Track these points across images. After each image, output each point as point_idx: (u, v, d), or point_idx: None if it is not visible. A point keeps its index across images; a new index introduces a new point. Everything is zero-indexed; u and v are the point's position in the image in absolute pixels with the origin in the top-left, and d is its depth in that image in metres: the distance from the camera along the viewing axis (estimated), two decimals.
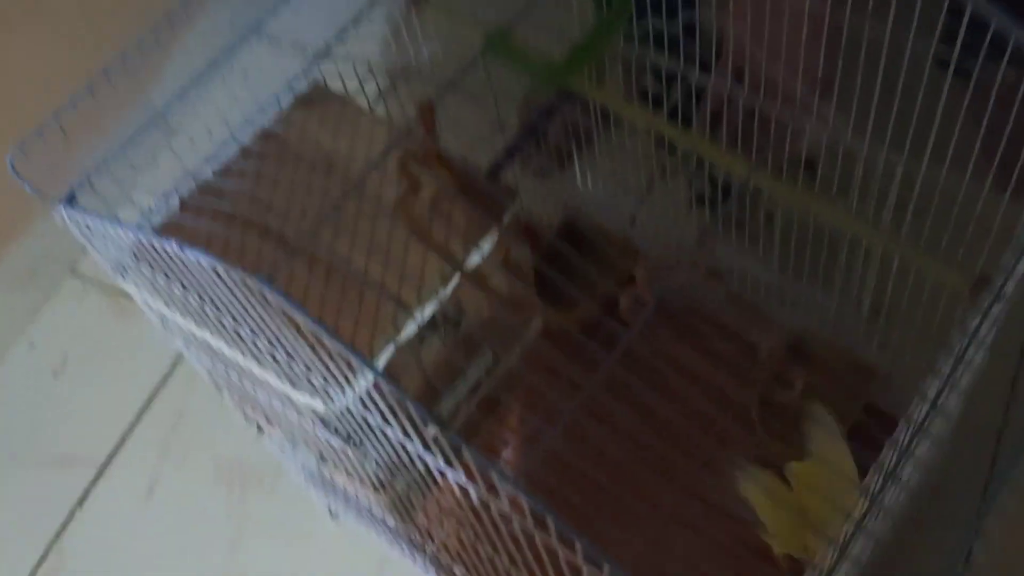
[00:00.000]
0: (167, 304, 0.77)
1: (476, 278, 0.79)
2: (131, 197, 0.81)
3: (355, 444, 0.75)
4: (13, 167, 0.73)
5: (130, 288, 0.80)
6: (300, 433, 0.85)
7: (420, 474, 0.67)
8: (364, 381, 0.63)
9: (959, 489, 1.04)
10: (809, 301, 0.96)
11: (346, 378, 0.65)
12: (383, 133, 0.83)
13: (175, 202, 0.84)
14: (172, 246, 0.57)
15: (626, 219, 1.00)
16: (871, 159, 0.78)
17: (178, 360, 1.36)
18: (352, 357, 0.53)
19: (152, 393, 1.35)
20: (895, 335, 0.91)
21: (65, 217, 0.73)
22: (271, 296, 0.54)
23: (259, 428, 0.99)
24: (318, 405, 0.70)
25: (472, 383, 0.89)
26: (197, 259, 0.55)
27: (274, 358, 0.68)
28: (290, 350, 0.65)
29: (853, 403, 0.89)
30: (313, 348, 0.63)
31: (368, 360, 0.57)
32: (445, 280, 0.78)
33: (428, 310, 0.78)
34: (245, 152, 0.85)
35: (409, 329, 0.77)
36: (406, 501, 0.87)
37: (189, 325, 0.76)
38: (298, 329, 0.62)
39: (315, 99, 0.87)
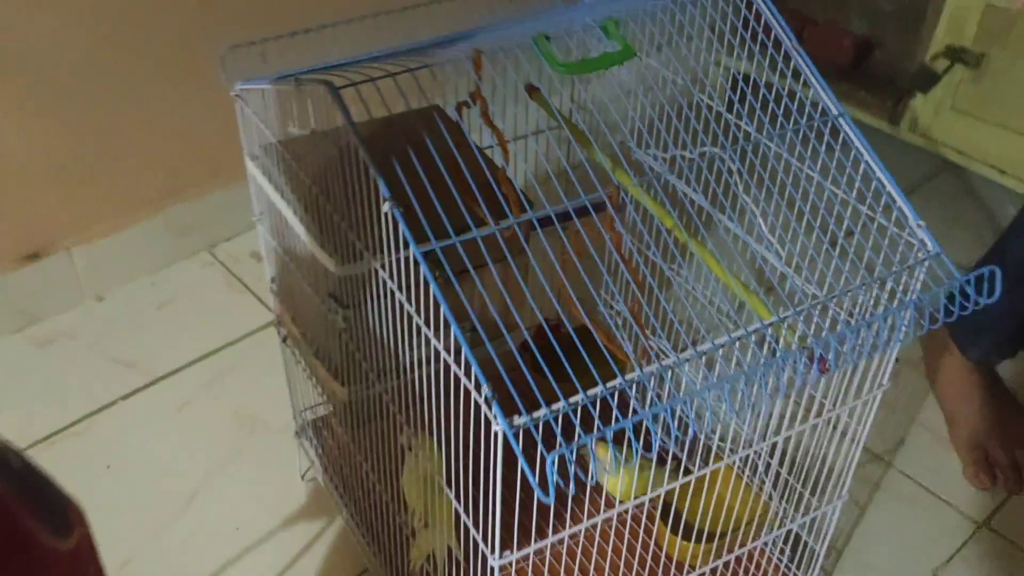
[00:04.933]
0: (271, 183, 1.08)
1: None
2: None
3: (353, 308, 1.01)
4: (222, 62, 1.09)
5: (255, 171, 1.12)
6: (313, 320, 1.12)
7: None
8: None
9: None
10: None
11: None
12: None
13: None
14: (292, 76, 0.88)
15: None
16: None
17: (248, 334, 1.66)
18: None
19: (219, 347, 1.64)
20: None
21: (239, 94, 1.07)
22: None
23: (279, 332, 1.26)
24: (328, 262, 0.98)
25: None
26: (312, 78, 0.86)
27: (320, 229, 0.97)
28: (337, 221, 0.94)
29: None
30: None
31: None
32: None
33: None
34: None
35: None
36: (359, 408, 1.10)
37: (277, 198, 1.07)
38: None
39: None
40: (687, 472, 1.29)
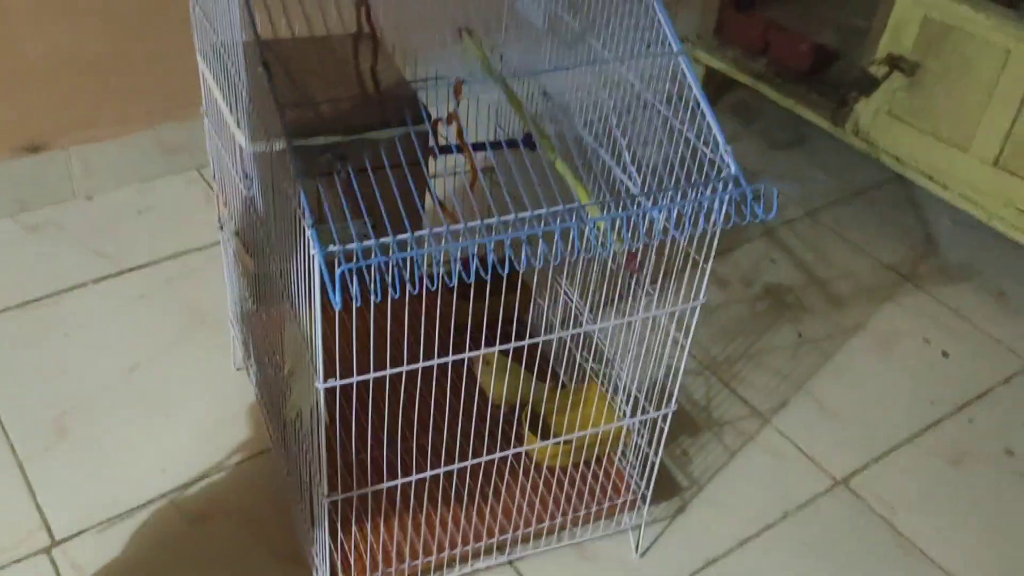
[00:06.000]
0: (218, 86, 1.25)
1: None
2: None
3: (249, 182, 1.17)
4: None
5: (203, 68, 1.30)
6: (236, 201, 1.28)
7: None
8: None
9: None
10: None
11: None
12: None
13: None
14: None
15: None
16: None
17: (215, 244, 1.84)
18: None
19: (186, 251, 1.82)
20: None
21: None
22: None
23: (219, 222, 1.42)
24: (242, 139, 1.14)
25: None
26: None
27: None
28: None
29: None
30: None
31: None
32: None
33: None
34: None
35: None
36: (264, 282, 1.26)
37: (216, 90, 1.24)
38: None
39: None
40: (560, 387, 1.44)
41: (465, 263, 0.96)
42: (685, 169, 1.06)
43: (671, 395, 1.22)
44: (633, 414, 1.30)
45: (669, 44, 1.06)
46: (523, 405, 1.38)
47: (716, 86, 2.32)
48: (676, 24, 2.06)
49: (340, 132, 1.14)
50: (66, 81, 1.78)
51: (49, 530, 1.35)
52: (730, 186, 0.98)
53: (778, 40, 2.11)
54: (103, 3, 1.74)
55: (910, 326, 1.82)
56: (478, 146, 1.30)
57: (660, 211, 0.95)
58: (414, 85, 1.30)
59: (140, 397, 1.54)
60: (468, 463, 1.20)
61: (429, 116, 1.22)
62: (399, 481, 1.14)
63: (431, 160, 1.25)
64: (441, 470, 1.18)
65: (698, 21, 2.21)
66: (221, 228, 1.44)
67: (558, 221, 0.96)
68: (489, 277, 0.95)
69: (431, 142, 1.23)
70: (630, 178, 1.17)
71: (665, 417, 1.24)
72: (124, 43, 1.80)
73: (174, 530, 1.37)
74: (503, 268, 0.94)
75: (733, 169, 1.00)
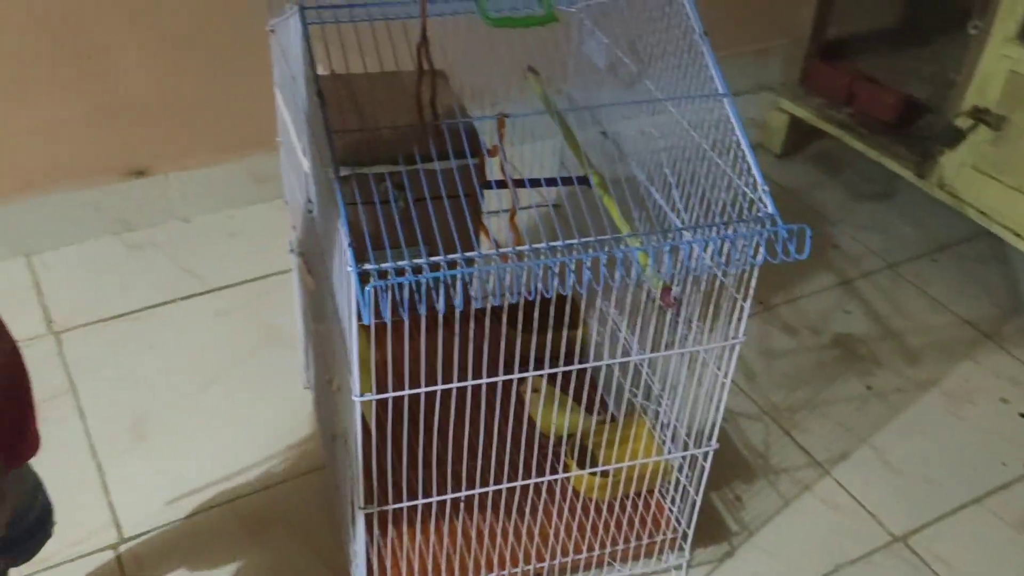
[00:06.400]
0: (290, 116, 1.33)
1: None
2: None
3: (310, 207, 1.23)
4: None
5: (279, 98, 1.38)
6: (300, 221, 1.35)
7: None
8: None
9: None
10: None
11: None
12: None
13: None
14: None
15: None
16: None
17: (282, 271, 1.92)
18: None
19: (267, 274, 1.91)
20: None
21: (273, 28, 1.33)
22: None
23: (291, 246, 1.50)
24: (305, 164, 1.21)
25: None
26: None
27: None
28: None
29: None
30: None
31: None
32: None
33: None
34: None
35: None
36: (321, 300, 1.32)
37: (288, 118, 1.32)
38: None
39: None
40: (607, 420, 1.45)
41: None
42: (737, 209, 1.07)
43: (711, 429, 1.22)
44: (675, 450, 1.30)
45: (715, 87, 1.09)
46: (570, 435, 1.40)
47: (801, 135, 2.31)
48: (761, 72, 2.12)
49: (399, 161, 1.20)
50: (167, 112, 1.91)
51: (119, 527, 1.43)
52: (766, 224, 0.99)
53: (864, 91, 2.09)
54: (202, 41, 1.87)
55: (987, 385, 1.76)
56: (534, 182, 1.35)
57: (692, 244, 0.96)
58: (476, 120, 1.35)
59: (212, 409, 1.62)
60: (508, 485, 1.23)
61: (487, 150, 1.26)
62: (434, 499, 1.18)
63: (486, 192, 1.30)
64: (477, 491, 1.20)
65: (783, 70, 2.22)
66: (292, 252, 1.51)
67: (594, 250, 0.98)
68: (538, 308, 0.99)
69: (487, 175, 1.28)
70: (677, 216, 1.19)
71: (707, 455, 1.24)
72: (220, 78, 1.92)
73: (233, 536, 1.43)
74: (548, 293, 0.97)
75: (770, 208, 1.01)
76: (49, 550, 1.10)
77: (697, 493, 1.27)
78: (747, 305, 1.08)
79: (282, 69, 1.34)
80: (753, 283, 1.05)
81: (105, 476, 1.51)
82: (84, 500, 1.47)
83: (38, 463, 1.04)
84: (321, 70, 1.34)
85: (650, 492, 1.38)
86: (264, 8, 1.34)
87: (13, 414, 0.98)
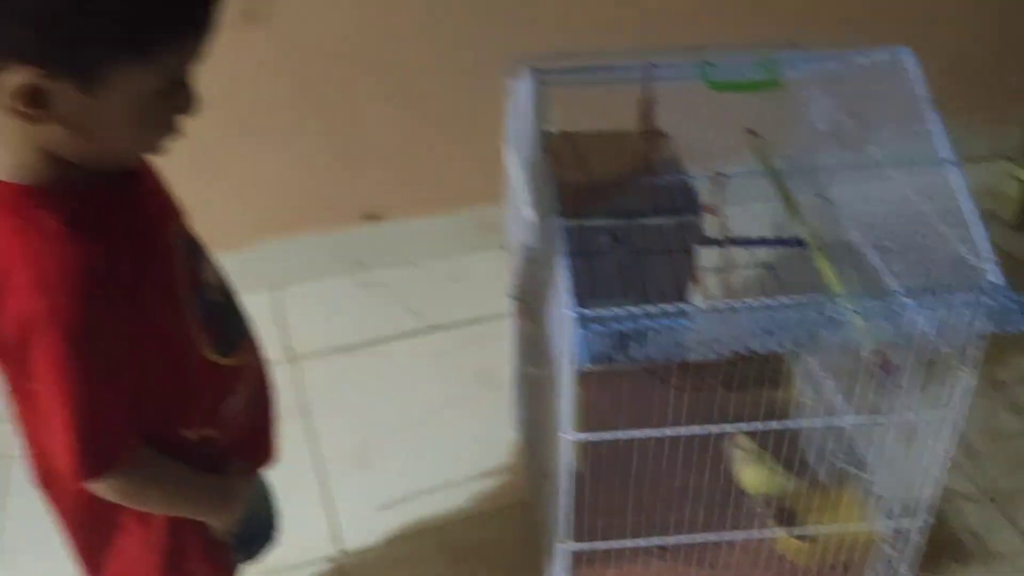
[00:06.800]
0: (519, 167, 1.42)
1: None
2: None
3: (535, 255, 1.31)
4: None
5: (506, 153, 1.48)
6: (520, 265, 1.44)
7: None
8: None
9: None
10: None
11: None
12: None
13: None
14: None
15: None
16: None
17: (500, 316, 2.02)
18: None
19: (487, 317, 2.01)
20: None
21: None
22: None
23: (510, 292, 1.59)
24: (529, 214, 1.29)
25: None
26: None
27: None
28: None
29: None
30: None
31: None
32: None
33: None
34: None
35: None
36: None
37: (514, 171, 1.41)
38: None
39: None
40: (814, 484, 1.43)
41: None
42: (958, 277, 1.05)
43: (928, 507, 1.18)
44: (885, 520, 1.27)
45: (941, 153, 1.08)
46: (774, 496, 1.39)
47: None
48: (998, 140, 2.06)
49: (617, 215, 1.26)
50: (401, 160, 2.07)
51: (340, 541, 1.55)
52: (989, 292, 0.97)
53: None
54: (437, 92, 2.01)
55: None
56: (749, 241, 1.37)
57: (907, 307, 0.96)
58: (693, 178, 1.40)
59: (426, 441, 1.72)
60: (712, 538, 1.24)
61: (703, 208, 1.30)
62: (639, 541, 1.21)
63: (701, 249, 1.33)
64: (681, 537, 1.22)
65: (1019, 137, 2.11)
66: (510, 296, 1.60)
67: (807, 309, 1.00)
68: (748, 365, 1.01)
69: (703, 232, 1.32)
70: (894, 280, 1.18)
71: (920, 529, 1.20)
72: (453, 130, 2.06)
73: (434, 563, 1.52)
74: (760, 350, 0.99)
75: (995, 276, 0.99)
76: (274, 556, 1.22)
77: (909, 570, 1.23)
78: (968, 376, 1.06)
79: (515, 125, 1.44)
80: (975, 354, 1.03)
81: (333, 493, 1.64)
82: (312, 513, 1.60)
83: (270, 475, 1.16)
84: (550, 128, 1.43)
85: (854, 565, 1.34)
86: (500, 69, 1.44)
87: (260, 423, 1.11)
